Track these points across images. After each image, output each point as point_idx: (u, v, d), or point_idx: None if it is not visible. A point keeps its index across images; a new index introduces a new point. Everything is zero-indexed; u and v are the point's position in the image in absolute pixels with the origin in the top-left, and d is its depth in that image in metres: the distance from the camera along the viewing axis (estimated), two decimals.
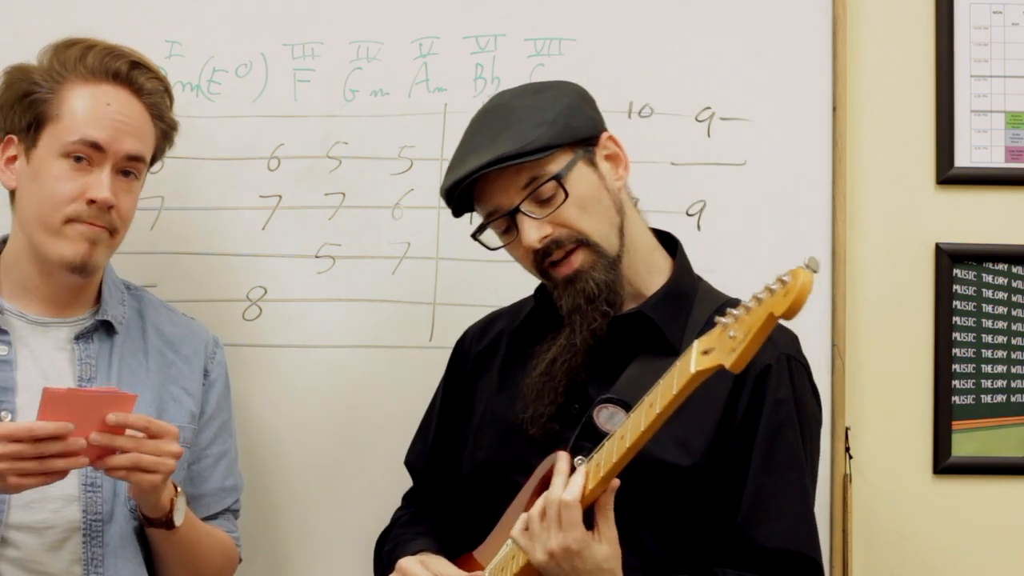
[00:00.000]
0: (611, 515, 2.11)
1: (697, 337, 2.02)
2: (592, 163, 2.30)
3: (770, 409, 2.25)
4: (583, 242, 2.27)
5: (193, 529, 2.37)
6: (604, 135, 2.34)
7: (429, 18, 2.79)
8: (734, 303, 2.32)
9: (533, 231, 2.26)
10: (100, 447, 2.16)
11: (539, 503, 2.12)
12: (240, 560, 2.53)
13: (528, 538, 2.12)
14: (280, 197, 2.79)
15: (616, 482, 2.09)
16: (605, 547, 2.10)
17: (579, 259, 2.27)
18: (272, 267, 2.79)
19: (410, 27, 2.79)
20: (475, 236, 2.36)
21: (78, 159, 2.31)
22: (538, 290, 2.42)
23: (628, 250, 2.31)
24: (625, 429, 2.07)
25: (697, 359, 1.97)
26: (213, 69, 2.79)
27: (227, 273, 2.79)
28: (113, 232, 2.34)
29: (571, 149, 2.28)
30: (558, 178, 2.25)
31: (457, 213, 2.36)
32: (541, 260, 2.28)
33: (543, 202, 2.26)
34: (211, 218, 2.78)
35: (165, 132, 2.42)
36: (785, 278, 1.88)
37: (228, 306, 2.78)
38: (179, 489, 2.31)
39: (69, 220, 2.31)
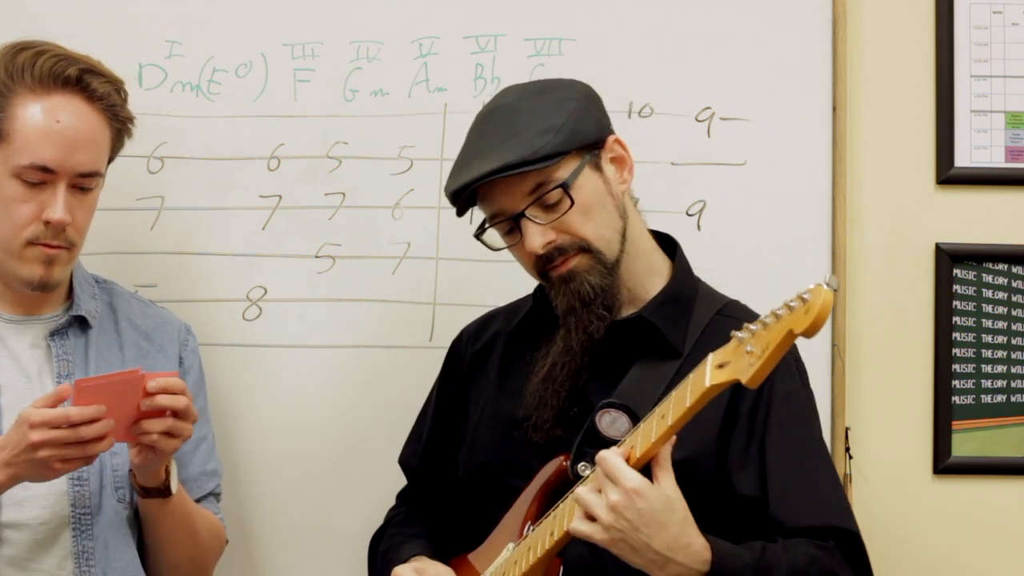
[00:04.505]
0: (670, 468, 2.04)
1: (698, 341, 1.99)
2: (598, 167, 2.29)
3: (780, 400, 2.24)
4: (584, 248, 2.26)
5: (186, 500, 2.39)
6: (610, 138, 2.32)
7: (429, 18, 2.79)
8: (734, 304, 2.33)
9: (537, 237, 2.25)
10: (131, 421, 2.18)
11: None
12: (227, 541, 2.54)
13: (592, 498, 2.05)
14: (280, 197, 2.79)
15: (673, 438, 2.04)
16: (669, 490, 2.04)
17: (575, 261, 2.26)
18: (272, 267, 2.79)
19: (410, 27, 2.79)
20: (478, 236, 2.35)
21: (31, 180, 2.29)
22: (537, 290, 2.42)
23: (628, 253, 2.30)
24: (635, 439, 2.06)
25: (712, 373, 1.96)
26: (213, 69, 2.79)
27: (227, 273, 2.78)
28: (71, 247, 2.33)
29: (578, 154, 2.26)
30: (564, 186, 2.24)
31: (460, 212, 2.35)
32: (543, 265, 2.28)
33: (548, 207, 2.25)
34: (211, 218, 2.78)
35: (120, 130, 2.38)
36: (805, 296, 1.86)
37: (228, 306, 2.78)
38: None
39: (29, 243, 2.30)
